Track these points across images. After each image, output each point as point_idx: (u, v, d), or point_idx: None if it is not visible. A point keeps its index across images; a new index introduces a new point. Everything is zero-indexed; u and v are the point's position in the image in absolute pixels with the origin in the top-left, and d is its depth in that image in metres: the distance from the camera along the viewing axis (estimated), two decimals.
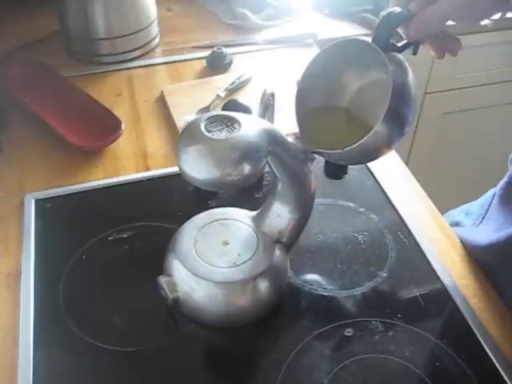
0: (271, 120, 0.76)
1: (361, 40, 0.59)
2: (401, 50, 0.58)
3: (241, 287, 0.60)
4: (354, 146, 0.56)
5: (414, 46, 0.58)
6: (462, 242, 0.72)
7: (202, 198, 0.77)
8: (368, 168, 0.82)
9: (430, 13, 0.54)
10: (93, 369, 0.59)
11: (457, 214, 0.78)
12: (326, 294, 0.66)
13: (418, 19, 0.54)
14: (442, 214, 0.77)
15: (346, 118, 0.64)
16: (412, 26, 0.55)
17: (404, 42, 0.58)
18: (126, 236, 0.72)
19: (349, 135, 0.60)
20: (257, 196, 0.77)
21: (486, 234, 0.69)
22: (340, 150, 0.58)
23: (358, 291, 0.66)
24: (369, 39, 0.58)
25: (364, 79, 0.63)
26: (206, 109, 0.91)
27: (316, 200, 0.65)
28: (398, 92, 0.55)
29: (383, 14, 0.56)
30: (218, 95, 0.94)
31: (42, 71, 0.98)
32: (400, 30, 0.58)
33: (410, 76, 0.58)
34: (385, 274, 0.68)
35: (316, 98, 0.63)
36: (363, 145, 0.56)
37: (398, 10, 0.55)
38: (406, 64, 0.58)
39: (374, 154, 0.61)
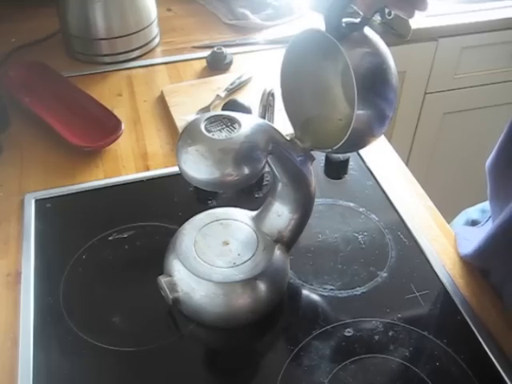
0: (271, 120, 0.76)
1: (314, 30, 0.55)
2: (362, 25, 0.55)
3: (241, 287, 0.60)
4: (340, 143, 0.56)
5: (381, 12, 0.54)
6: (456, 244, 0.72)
7: (201, 198, 0.77)
8: (368, 168, 0.82)
9: None
10: (93, 369, 0.59)
11: (473, 211, 0.77)
12: (326, 293, 0.66)
13: None
14: (442, 213, 0.77)
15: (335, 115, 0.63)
16: (359, 2, 0.53)
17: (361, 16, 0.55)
18: (126, 236, 0.72)
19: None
20: (257, 196, 0.77)
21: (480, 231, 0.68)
22: (329, 150, 0.58)
23: (358, 291, 0.66)
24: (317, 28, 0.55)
25: (338, 66, 0.59)
26: (206, 109, 0.91)
27: (316, 200, 0.65)
28: (366, 72, 0.53)
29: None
30: (217, 95, 0.94)
31: (42, 71, 0.98)
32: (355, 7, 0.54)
33: (381, 49, 0.55)
34: (385, 274, 0.68)
35: (301, 94, 0.62)
36: (350, 138, 0.55)
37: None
38: (373, 38, 0.55)
39: (365, 139, 0.58)
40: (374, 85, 0.55)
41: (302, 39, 0.58)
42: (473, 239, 0.67)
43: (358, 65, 0.53)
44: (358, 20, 0.55)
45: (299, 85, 0.62)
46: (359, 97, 0.53)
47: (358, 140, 0.58)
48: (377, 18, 0.57)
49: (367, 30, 0.56)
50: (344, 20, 0.54)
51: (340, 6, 0.53)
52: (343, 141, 0.55)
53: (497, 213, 0.64)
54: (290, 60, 0.59)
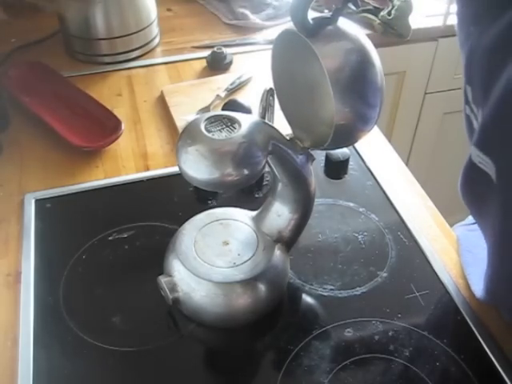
0: (271, 120, 0.76)
1: (288, 30, 0.54)
2: (334, 19, 0.53)
3: (241, 287, 0.60)
4: (327, 143, 0.55)
5: (343, 4, 0.53)
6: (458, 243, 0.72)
7: (201, 198, 0.77)
8: (368, 168, 0.82)
9: None
10: (93, 369, 0.59)
11: None
12: (325, 293, 0.66)
13: None
14: (442, 213, 0.77)
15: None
16: None
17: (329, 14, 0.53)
18: (126, 236, 0.72)
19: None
20: (257, 196, 0.77)
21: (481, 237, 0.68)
22: (322, 147, 0.58)
23: (358, 291, 0.66)
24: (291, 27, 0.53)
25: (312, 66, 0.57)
26: (206, 109, 0.91)
27: (316, 200, 0.65)
28: (343, 69, 0.51)
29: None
30: (217, 95, 0.94)
31: (42, 71, 0.98)
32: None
33: (360, 44, 0.53)
34: (385, 274, 0.68)
35: (293, 94, 0.61)
36: (338, 135, 0.54)
37: None
38: (351, 33, 0.53)
39: (354, 135, 0.57)
40: (354, 82, 0.52)
41: (281, 41, 0.57)
42: (475, 254, 0.66)
43: (334, 62, 0.51)
44: (329, 14, 0.52)
45: (290, 85, 0.61)
46: (340, 94, 0.51)
47: (348, 136, 0.57)
48: (351, 8, 0.55)
49: (345, 25, 0.53)
50: (313, 16, 0.52)
51: (303, 1, 0.50)
52: (329, 139, 0.55)
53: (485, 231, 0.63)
54: (278, 62, 0.59)
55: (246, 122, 0.54)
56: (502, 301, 0.63)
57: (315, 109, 0.60)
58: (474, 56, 0.50)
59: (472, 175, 0.55)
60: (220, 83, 0.98)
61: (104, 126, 0.87)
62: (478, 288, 0.64)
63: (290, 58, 0.59)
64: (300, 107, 0.62)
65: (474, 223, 0.71)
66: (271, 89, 0.73)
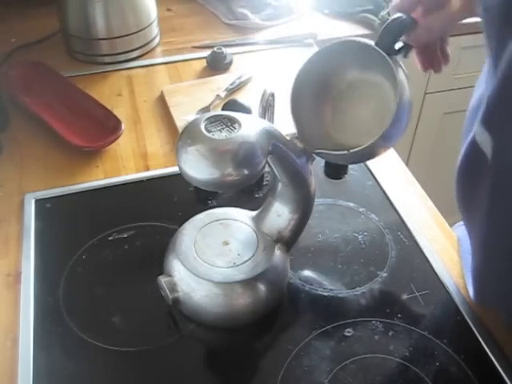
0: (271, 120, 0.76)
1: (364, 42, 0.59)
2: (396, 52, 0.60)
3: (241, 287, 0.60)
4: (361, 148, 0.57)
5: (406, 50, 0.61)
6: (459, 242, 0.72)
7: (202, 198, 0.77)
8: (368, 168, 0.82)
9: (432, 20, 0.58)
10: (93, 369, 0.59)
11: None
12: (326, 293, 0.66)
13: (421, 26, 0.58)
14: (442, 213, 0.77)
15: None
16: (415, 32, 0.58)
17: (400, 45, 0.60)
18: (126, 236, 0.72)
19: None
20: (257, 196, 0.77)
21: None
22: (345, 152, 0.58)
23: (358, 291, 0.66)
24: (368, 41, 0.59)
25: (357, 78, 0.63)
26: (206, 109, 0.91)
27: (316, 200, 0.65)
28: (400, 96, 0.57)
29: (387, 20, 0.58)
30: (217, 95, 0.94)
31: (42, 71, 0.98)
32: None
33: (407, 78, 0.59)
34: (385, 274, 0.68)
35: (309, 98, 0.63)
36: (368, 147, 0.57)
37: (402, 16, 0.57)
38: (402, 65, 0.59)
39: (375, 154, 0.62)
40: (401, 105, 0.57)
41: (338, 46, 0.61)
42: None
43: (401, 82, 0.57)
44: (398, 46, 0.59)
45: (324, 87, 0.63)
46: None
47: (373, 152, 0.61)
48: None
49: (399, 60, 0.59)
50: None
51: (399, 31, 0.58)
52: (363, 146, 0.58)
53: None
54: (315, 61, 0.61)
55: (245, 122, 0.54)
56: (492, 304, 0.63)
57: (353, 117, 0.64)
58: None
59: (471, 154, 0.56)
60: (220, 83, 0.98)
61: (104, 126, 0.87)
62: (471, 290, 0.65)
63: (332, 65, 0.62)
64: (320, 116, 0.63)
65: None
66: (271, 90, 0.73)
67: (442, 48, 0.64)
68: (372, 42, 0.58)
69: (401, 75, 0.58)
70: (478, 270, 0.61)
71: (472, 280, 0.63)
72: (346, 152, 0.58)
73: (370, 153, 0.61)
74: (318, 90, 0.63)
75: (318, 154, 0.61)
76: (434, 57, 0.64)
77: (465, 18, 0.59)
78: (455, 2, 0.58)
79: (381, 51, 0.57)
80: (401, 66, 0.58)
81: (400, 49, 0.60)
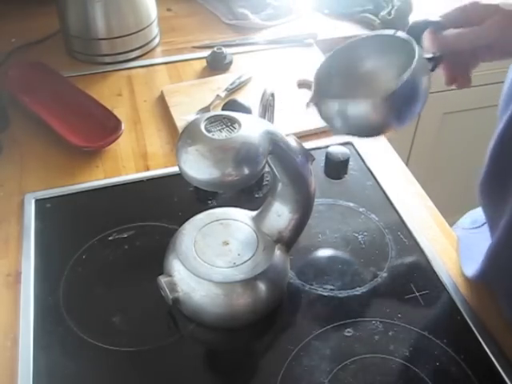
0: (271, 120, 0.76)
1: (393, 35, 0.61)
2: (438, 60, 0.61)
3: (241, 287, 0.60)
4: (393, 90, 0.56)
5: (434, 62, 0.61)
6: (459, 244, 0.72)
7: (202, 198, 0.77)
8: (368, 168, 0.82)
9: (464, 31, 0.57)
10: (93, 369, 0.59)
11: (479, 211, 0.76)
12: (326, 294, 0.66)
13: (450, 32, 0.58)
14: (442, 213, 0.77)
15: None
16: (442, 36, 0.58)
17: (430, 55, 0.60)
18: (126, 236, 0.72)
19: None
20: (257, 196, 0.77)
21: (483, 239, 0.68)
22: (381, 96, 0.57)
23: (358, 291, 0.66)
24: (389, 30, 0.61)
25: (384, 70, 0.64)
26: (206, 109, 0.91)
27: (316, 200, 0.65)
28: (418, 73, 0.57)
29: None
30: (218, 95, 0.94)
31: (42, 71, 0.98)
32: (426, 42, 0.59)
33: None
34: (385, 274, 0.68)
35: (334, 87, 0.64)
36: (396, 95, 0.56)
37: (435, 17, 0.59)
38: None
39: (384, 126, 0.60)
40: (417, 86, 0.58)
41: (376, 36, 0.63)
42: (474, 250, 0.66)
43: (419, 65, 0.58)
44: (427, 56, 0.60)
45: (344, 72, 0.64)
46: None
47: (375, 127, 0.60)
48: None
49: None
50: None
51: (423, 23, 0.60)
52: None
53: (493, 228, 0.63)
54: (349, 48, 0.62)
55: (246, 122, 0.54)
56: (498, 282, 0.63)
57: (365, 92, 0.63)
58: None
59: (508, 134, 0.56)
60: (220, 83, 0.98)
61: (104, 126, 0.87)
62: (471, 267, 0.65)
63: (363, 51, 0.63)
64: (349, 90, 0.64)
65: (474, 228, 0.72)
66: (271, 90, 0.73)
67: (467, 69, 0.64)
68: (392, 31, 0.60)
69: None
70: (499, 245, 0.60)
71: (486, 256, 0.62)
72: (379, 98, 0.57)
73: (387, 118, 0.59)
74: (342, 79, 0.64)
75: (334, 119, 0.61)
76: (459, 75, 0.64)
77: (494, 40, 0.57)
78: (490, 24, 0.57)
79: (409, 37, 0.58)
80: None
81: (429, 59, 0.60)
